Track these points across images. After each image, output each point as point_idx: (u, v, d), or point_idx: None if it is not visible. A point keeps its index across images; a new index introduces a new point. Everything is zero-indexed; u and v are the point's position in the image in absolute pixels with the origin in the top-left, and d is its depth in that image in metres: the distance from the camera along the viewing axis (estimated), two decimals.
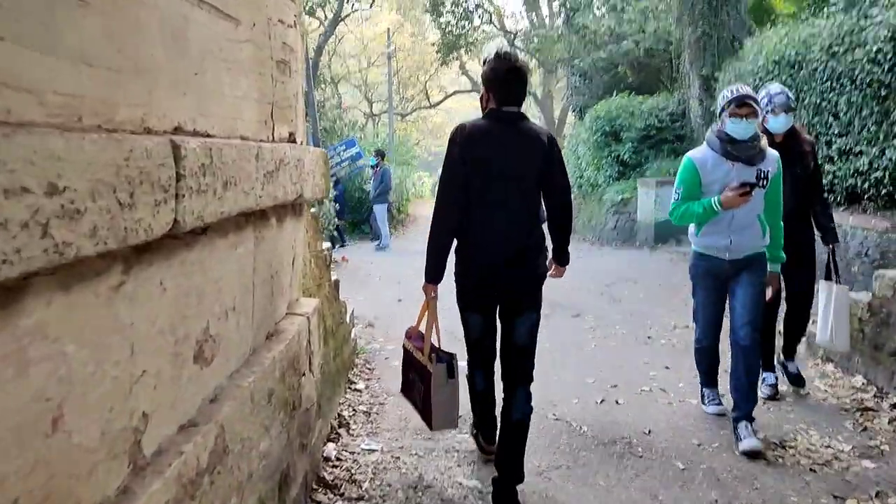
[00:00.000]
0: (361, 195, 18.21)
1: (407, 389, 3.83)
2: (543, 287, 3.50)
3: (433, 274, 3.39)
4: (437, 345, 3.50)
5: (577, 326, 7.29)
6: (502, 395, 3.45)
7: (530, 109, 44.06)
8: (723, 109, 4.11)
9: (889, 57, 7.38)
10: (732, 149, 4.04)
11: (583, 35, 19.70)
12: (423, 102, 42.41)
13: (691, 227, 4.36)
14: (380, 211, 15.41)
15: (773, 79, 10.26)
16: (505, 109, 3.28)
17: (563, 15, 21.97)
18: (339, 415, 4.47)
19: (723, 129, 4.12)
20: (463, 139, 3.24)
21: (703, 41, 15.13)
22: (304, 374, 2.98)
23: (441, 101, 42.52)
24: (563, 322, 7.46)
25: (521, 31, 29.39)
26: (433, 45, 29.38)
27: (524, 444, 3.36)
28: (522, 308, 3.41)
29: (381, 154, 16.20)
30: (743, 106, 4.00)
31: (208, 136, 1.91)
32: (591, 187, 18.69)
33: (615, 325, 7.33)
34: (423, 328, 3.60)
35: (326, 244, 4.73)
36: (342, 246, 15.20)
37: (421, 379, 3.55)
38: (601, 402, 4.92)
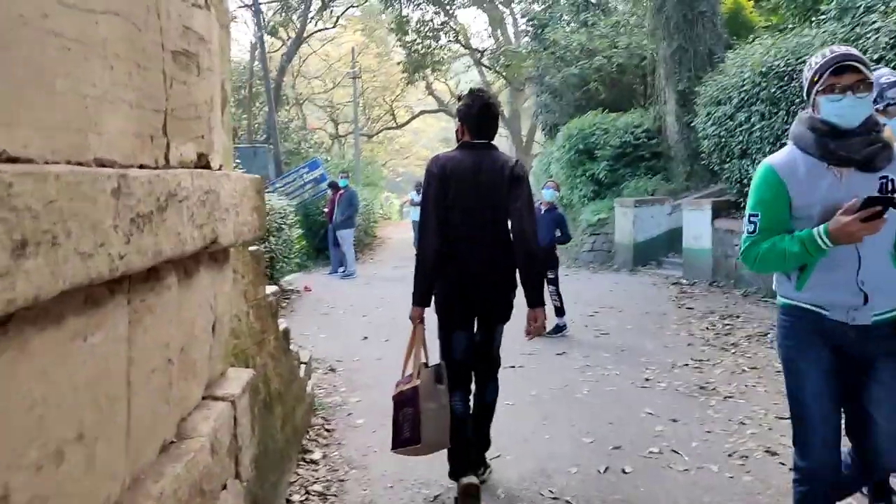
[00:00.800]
0: (323, 219, 17.25)
1: (397, 433, 3.52)
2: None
3: (420, 298, 3.59)
4: (427, 363, 3.62)
5: (565, 366, 6.52)
6: (474, 388, 3.92)
7: (500, 130, 43.59)
8: (812, 85, 2.56)
9: (893, 66, 6.78)
10: (837, 145, 2.49)
11: (552, 52, 19.15)
12: (389, 123, 41.66)
13: (778, 275, 2.72)
14: (347, 236, 14.56)
15: (760, 92, 9.70)
16: (476, 141, 3.64)
17: (531, 31, 21.43)
18: (287, 502, 3.63)
19: (817, 115, 2.57)
20: (438, 168, 3.59)
21: (679, 55, 14.62)
22: (223, 489, 2.15)
23: (408, 122, 41.94)
24: (549, 362, 6.70)
25: (487, 50, 28.83)
26: (398, 63, 28.70)
27: (491, 420, 3.97)
28: (494, 321, 3.78)
29: (335, 186, 15.27)
30: (845, 72, 2.45)
31: (9, 159, 1.10)
32: (565, 207, 18.04)
33: (606, 364, 6.58)
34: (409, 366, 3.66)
35: (272, 288, 3.93)
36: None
37: (412, 403, 3.46)
38: (604, 470, 4.13)
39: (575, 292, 11.10)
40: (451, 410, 3.59)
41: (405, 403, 3.47)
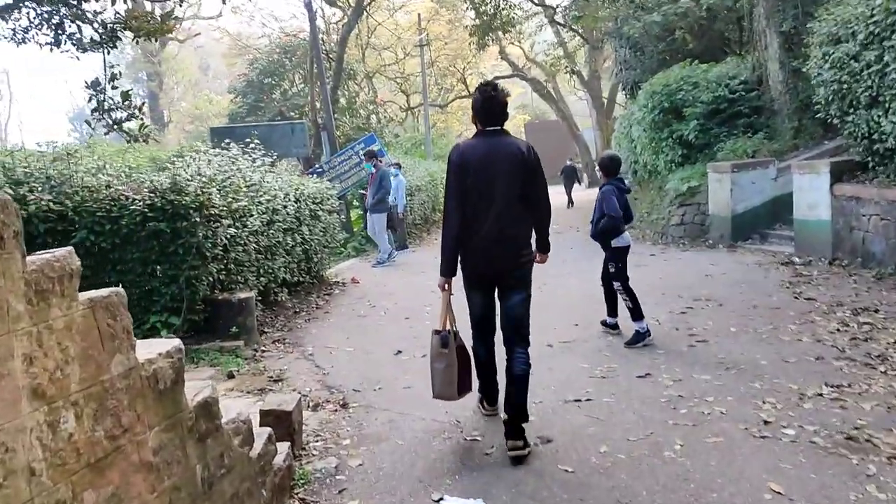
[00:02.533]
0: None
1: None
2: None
3: (446, 269, 4.14)
4: (453, 329, 4.26)
5: (648, 399, 4.83)
6: (505, 360, 4.18)
7: (578, 92, 41.44)
8: None
9: None
10: None
11: None
12: (462, 92, 39.70)
13: None
14: (378, 221, 13.01)
15: None
16: (488, 129, 4.15)
17: None
18: None
19: None
20: (457, 156, 4.11)
21: None
22: None
23: None
24: (627, 391, 5.02)
25: (560, 5, 26.57)
26: (466, 27, 26.77)
27: (526, 392, 4.13)
28: (513, 287, 4.17)
29: (372, 155, 13.66)
30: None
31: None
32: (648, 174, 16.08)
33: (706, 393, 4.86)
34: None
35: (164, 346, 2.41)
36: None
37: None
38: None
39: (662, 278, 9.32)
40: (475, 355, 4.40)
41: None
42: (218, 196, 6.70)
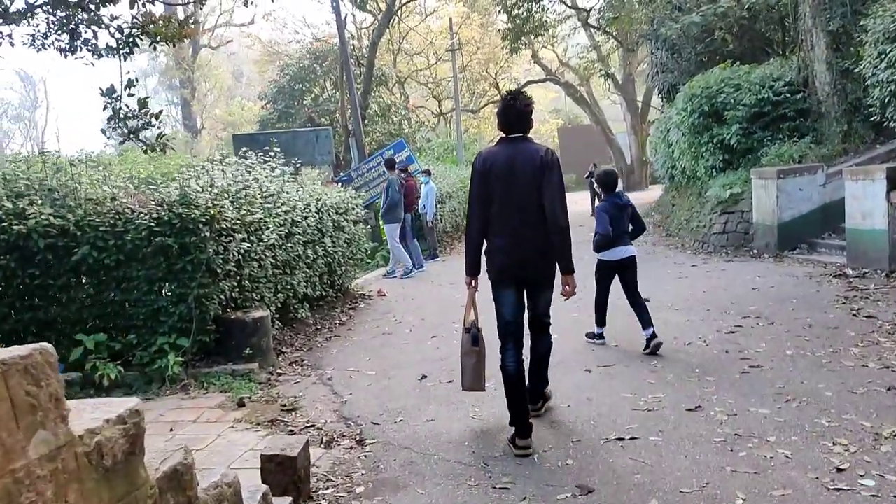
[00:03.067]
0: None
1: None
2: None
3: (470, 269, 4.42)
4: (476, 323, 4.52)
5: (701, 437, 4.29)
6: (529, 344, 4.53)
7: (612, 96, 40.58)
8: None
9: None
10: None
11: None
12: (495, 97, 39.09)
13: None
14: (390, 232, 12.39)
15: None
16: (510, 136, 4.35)
17: None
18: None
19: None
20: (480, 162, 4.35)
21: None
22: None
23: None
24: (675, 427, 4.47)
25: (593, 8, 25.89)
26: (498, 31, 26.19)
27: (546, 365, 4.65)
28: (538, 286, 4.40)
29: (391, 165, 13.00)
30: None
31: None
32: (686, 180, 15.44)
33: (767, 431, 4.30)
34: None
35: (121, 407, 1.96)
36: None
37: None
38: None
39: (706, 291, 8.74)
40: (504, 372, 4.35)
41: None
42: (231, 208, 6.29)
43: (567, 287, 4.31)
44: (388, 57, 34.19)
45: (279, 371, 6.36)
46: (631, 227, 6.49)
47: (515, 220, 4.20)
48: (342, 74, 24.67)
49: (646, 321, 6.25)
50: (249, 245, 6.45)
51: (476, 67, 38.98)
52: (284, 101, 27.56)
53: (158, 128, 8.62)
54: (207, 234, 5.85)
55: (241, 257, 6.35)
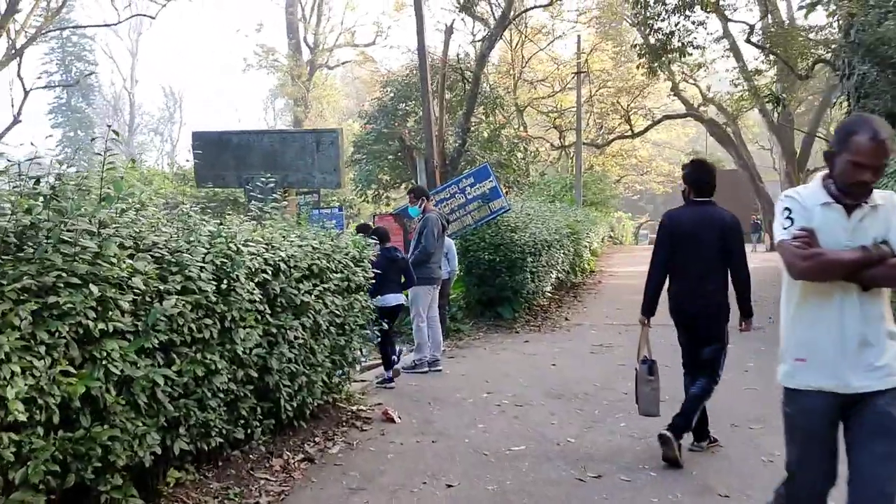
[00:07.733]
0: (490, 257, 10.83)
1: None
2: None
3: (646, 309, 4.98)
4: (648, 356, 4.97)
5: None
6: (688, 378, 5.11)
7: (762, 140, 35.21)
8: None
9: None
10: None
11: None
12: (626, 131, 34.48)
13: None
14: (415, 299, 7.99)
15: None
16: (698, 199, 4.91)
17: None
18: None
19: None
20: (668, 221, 4.98)
21: None
22: None
23: (646, 130, 34.48)
24: None
25: (756, 25, 21.11)
26: (634, 47, 21.81)
27: (695, 407, 4.84)
28: (706, 337, 4.93)
29: (421, 194, 8.62)
30: None
31: None
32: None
33: None
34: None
35: None
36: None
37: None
38: None
39: None
40: (685, 387, 5.05)
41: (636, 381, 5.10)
42: None
43: (743, 326, 5.00)
44: (507, 81, 30.60)
45: None
46: None
47: (694, 274, 4.86)
48: (443, 91, 21.20)
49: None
50: None
51: (606, 101, 34.69)
52: (385, 121, 24.37)
53: None
54: None
55: None
